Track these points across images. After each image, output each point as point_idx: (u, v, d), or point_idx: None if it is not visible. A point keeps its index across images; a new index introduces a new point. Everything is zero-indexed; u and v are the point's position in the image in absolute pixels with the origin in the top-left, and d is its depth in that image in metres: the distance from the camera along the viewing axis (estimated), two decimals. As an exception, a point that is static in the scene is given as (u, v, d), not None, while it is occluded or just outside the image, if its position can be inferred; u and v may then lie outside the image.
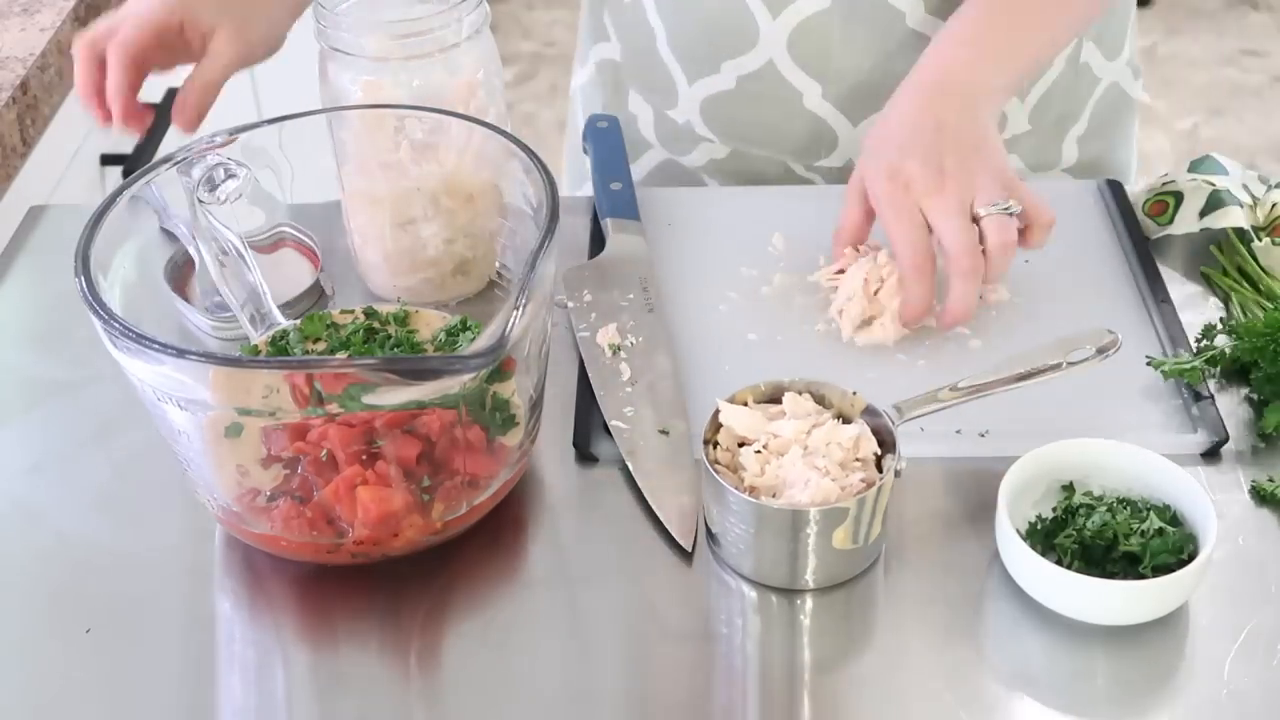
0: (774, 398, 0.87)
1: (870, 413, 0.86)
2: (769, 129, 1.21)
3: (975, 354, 0.99)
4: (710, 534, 0.86)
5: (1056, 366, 0.89)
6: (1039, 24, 1.07)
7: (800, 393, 0.87)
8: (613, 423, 0.93)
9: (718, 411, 0.86)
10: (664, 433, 0.93)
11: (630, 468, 0.91)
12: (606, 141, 1.16)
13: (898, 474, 0.82)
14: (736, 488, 0.81)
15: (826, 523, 0.80)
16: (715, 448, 0.85)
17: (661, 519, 0.88)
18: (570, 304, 1.02)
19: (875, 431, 0.85)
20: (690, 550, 0.86)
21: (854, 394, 0.86)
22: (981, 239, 0.95)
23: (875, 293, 0.99)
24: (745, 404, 0.87)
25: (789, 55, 1.16)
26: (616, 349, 0.98)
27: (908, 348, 0.99)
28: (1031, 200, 0.97)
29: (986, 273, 0.95)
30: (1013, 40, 1.05)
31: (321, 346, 0.93)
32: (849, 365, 0.98)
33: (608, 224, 1.09)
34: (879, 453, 0.84)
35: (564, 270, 1.05)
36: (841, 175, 1.21)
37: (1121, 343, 0.90)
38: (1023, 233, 0.97)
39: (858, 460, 0.84)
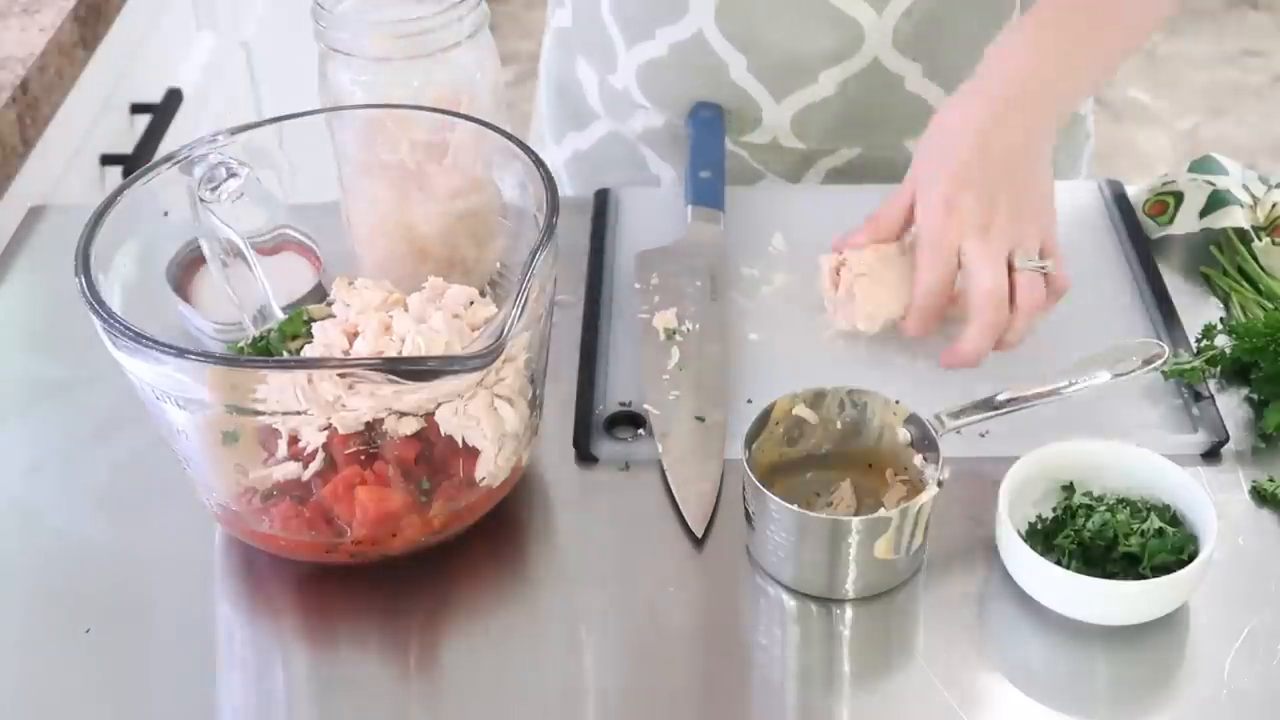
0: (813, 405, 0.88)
1: (913, 422, 0.86)
2: (697, 99, 1.21)
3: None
4: (749, 542, 0.85)
5: (1102, 378, 0.88)
6: (1117, 30, 1.02)
7: (841, 400, 0.87)
8: (645, 407, 0.94)
9: (767, 413, 0.86)
10: (700, 419, 0.93)
11: (659, 450, 0.91)
12: (706, 130, 1.17)
13: (940, 484, 0.82)
14: (780, 496, 0.81)
15: (869, 532, 0.80)
16: (757, 451, 0.85)
17: (678, 501, 0.88)
18: (637, 285, 1.03)
19: (917, 442, 0.86)
20: (700, 537, 0.86)
21: (896, 402, 0.86)
22: (1011, 292, 0.92)
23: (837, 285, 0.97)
24: (789, 410, 0.87)
25: (716, 26, 1.15)
26: (672, 333, 0.99)
27: (910, 347, 0.99)
28: (1059, 262, 0.94)
29: (1009, 329, 0.92)
30: (1090, 49, 1.00)
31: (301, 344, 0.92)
32: (850, 365, 0.98)
33: (689, 210, 1.09)
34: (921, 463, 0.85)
35: (638, 252, 1.06)
36: (767, 153, 1.21)
37: (1169, 354, 0.91)
38: None
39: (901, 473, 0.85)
